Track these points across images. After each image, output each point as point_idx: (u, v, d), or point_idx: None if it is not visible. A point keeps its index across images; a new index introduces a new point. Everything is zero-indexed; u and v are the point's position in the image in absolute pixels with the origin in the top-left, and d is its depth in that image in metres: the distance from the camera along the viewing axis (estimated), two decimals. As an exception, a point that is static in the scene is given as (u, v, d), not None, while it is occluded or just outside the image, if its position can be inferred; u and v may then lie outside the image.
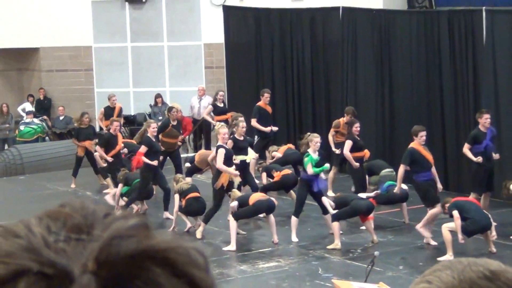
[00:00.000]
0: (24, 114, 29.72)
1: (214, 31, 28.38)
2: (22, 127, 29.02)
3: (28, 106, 30.17)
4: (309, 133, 19.30)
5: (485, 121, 18.94)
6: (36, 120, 29.24)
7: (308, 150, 18.44)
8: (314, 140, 18.39)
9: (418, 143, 18.33)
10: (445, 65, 21.78)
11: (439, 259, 15.26)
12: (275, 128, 23.12)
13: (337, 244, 18.10)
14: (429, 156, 18.52)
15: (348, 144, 20.06)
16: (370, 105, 23.41)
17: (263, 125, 22.83)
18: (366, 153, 20.31)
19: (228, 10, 27.11)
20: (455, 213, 16.50)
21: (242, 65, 26.70)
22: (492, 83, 20.84)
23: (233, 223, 18.15)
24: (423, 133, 18.51)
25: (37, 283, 0.99)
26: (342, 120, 21.80)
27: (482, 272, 1.70)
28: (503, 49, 20.77)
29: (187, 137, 27.77)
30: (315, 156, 18.13)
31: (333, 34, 24.34)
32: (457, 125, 21.72)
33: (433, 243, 18.03)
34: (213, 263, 16.56)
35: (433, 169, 18.57)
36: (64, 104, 29.94)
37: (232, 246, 17.97)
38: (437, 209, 17.89)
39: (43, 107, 30.37)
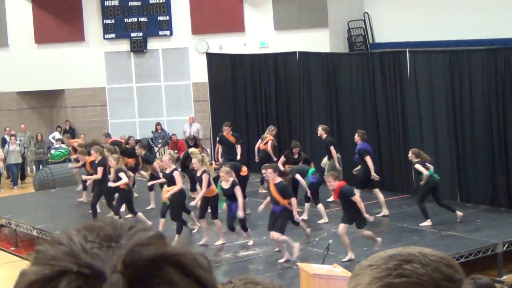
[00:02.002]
0: (54, 141, 29.49)
1: (200, 72, 28.15)
2: (52, 151, 28.80)
3: (57, 135, 29.81)
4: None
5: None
6: (63, 146, 28.68)
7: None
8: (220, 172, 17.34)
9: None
10: (379, 95, 21.63)
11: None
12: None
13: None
14: None
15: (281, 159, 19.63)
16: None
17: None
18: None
19: (210, 56, 27.23)
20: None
21: (222, 98, 26.58)
22: (416, 107, 20.68)
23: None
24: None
25: (76, 281, 0.99)
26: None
27: (438, 260, 1.73)
28: (423, 81, 20.59)
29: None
30: (223, 185, 16.93)
31: (292, 73, 24.30)
32: (389, 140, 21.51)
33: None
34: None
35: None
36: (85, 133, 29.07)
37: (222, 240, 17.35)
38: None
39: (69, 135, 28.61)
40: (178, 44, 29.88)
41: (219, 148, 22.03)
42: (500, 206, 18.86)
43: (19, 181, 28.57)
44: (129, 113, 30.67)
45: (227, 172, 16.98)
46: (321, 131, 20.88)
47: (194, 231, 18.29)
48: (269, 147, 21.54)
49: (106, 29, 30.09)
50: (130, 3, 29.78)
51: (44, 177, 26.11)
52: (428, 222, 17.86)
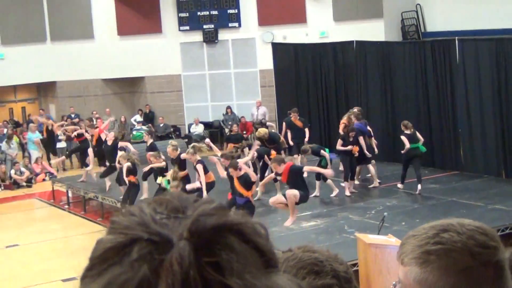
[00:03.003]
0: (135, 123, 29.99)
1: (266, 61, 27.88)
2: (134, 132, 29.15)
3: (138, 118, 30.33)
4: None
5: None
6: (144, 127, 28.93)
7: None
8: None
9: None
10: (430, 81, 21.44)
11: None
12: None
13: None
14: None
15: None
16: (377, 112, 23.06)
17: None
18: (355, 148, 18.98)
19: (275, 46, 27.10)
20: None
21: (286, 84, 26.34)
22: (464, 91, 20.51)
23: None
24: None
25: (147, 247, 0.99)
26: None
27: (475, 229, 1.75)
28: (471, 67, 20.32)
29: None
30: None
31: (350, 61, 24.05)
32: (440, 122, 21.32)
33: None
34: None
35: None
36: (163, 116, 30.12)
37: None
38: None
39: (148, 118, 30.44)
40: (246, 35, 29.86)
41: (289, 133, 21.47)
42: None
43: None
44: (202, 98, 30.69)
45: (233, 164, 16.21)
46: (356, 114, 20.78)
47: None
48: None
49: (181, 21, 30.21)
50: (203, -3, 29.97)
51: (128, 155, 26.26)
52: (400, 185, 18.87)
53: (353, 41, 24.00)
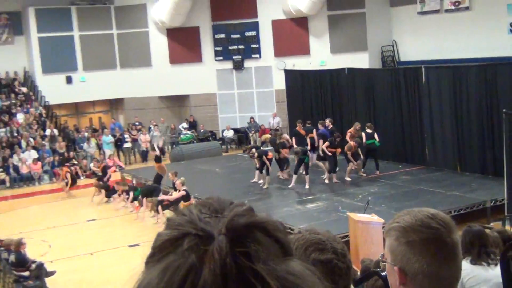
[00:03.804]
0: (182, 129, 29.66)
1: (279, 83, 27.92)
2: (182, 136, 28.95)
3: (185, 125, 29.97)
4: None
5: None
6: (189, 132, 29.13)
7: None
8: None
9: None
10: (403, 98, 20.89)
11: None
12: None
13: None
14: None
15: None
16: (362, 121, 21.06)
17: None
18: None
19: (287, 72, 27.04)
20: None
21: (295, 100, 26.19)
22: (428, 107, 20.06)
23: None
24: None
25: (194, 240, 0.96)
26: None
27: (427, 215, 1.75)
28: (434, 87, 19.88)
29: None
30: None
31: (343, 83, 23.58)
32: (410, 129, 20.86)
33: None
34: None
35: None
36: (203, 123, 29.84)
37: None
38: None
39: (192, 125, 29.99)
40: (264, 63, 29.61)
41: (294, 139, 20.83)
42: (489, 174, 18.49)
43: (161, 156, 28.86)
44: (232, 110, 30.48)
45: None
46: (328, 123, 21.04)
47: None
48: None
49: (216, 53, 30.08)
50: (232, 36, 29.68)
51: (177, 153, 26.30)
52: (362, 171, 19.24)
53: (345, 68, 23.77)
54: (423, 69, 20.65)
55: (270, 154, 18.95)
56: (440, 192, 16.87)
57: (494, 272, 4.69)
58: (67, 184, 22.79)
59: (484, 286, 4.78)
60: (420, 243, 1.69)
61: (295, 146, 19.99)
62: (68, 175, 22.89)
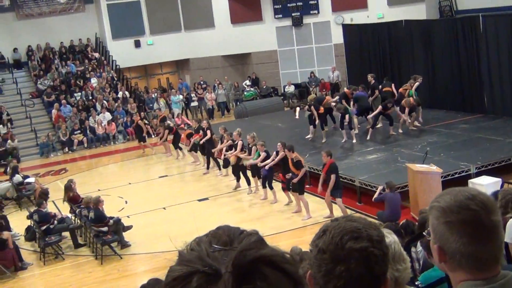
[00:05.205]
0: (246, 86, 29.51)
1: (338, 37, 27.47)
2: (245, 93, 28.93)
3: (247, 82, 29.71)
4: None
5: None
6: (252, 89, 29.05)
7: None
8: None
9: None
10: (460, 48, 20.27)
11: None
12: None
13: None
14: None
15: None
16: (420, 72, 21.06)
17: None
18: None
19: (345, 26, 26.51)
20: None
21: (353, 54, 25.56)
22: (486, 55, 19.40)
23: None
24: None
25: (202, 278, 0.95)
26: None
27: (467, 195, 1.70)
28: (491, 36, 19.17)
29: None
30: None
31: (400, 36, 22.84)
32: (468, 79, 20.22)
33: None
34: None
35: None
36: (265, 80, 29.59)
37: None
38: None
39: (255, 82, 29.87)
40: (323, 19, 29.18)
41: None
42: None
43: (226, 112, 28.97)
44: (293, 66, 30.18)
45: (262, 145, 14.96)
46: (370, 78, 20.65)
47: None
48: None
49: (276, 11, 29.83)
50: (291, -7, 29.52)
51: (241, 110, 26.38)
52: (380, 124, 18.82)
53: (402, 21, 23.18)
54: (480, 17, 19.97)
55: (322, 109, 18.82)
56: (499, 139, 16.31)
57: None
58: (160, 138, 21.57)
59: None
60: (457, 224, 1.66)
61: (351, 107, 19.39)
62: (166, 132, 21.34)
